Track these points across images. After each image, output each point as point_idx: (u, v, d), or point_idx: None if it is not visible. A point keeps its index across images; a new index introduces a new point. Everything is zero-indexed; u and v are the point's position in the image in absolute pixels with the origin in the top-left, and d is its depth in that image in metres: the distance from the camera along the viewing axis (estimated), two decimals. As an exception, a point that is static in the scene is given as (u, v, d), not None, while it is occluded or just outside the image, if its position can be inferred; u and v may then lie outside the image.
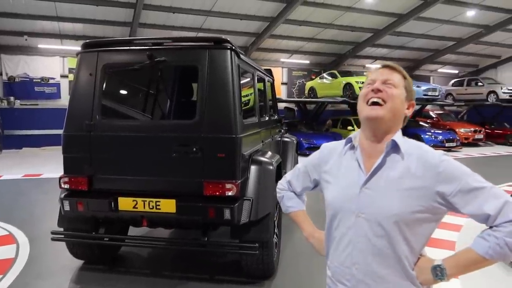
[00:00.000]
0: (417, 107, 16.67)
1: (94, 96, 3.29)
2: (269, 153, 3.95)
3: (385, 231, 1.22)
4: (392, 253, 1.23)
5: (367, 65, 20.75)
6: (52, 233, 3.49)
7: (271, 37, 16.08)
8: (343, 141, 1.43)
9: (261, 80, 4.69)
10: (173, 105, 3.78)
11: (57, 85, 15.17)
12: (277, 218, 3.84)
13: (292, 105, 15.86)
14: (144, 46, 3.31)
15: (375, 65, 20.68)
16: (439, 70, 22.68)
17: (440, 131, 15.37)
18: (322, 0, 13.51)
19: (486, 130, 17.42)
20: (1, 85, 14.50)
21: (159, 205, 3.15)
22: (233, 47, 3.21)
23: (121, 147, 3.28)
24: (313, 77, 18.74)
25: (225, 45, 3.18)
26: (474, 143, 16.45)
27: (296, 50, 18.23)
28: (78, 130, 3.29)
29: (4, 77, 14.42)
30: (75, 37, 14.28)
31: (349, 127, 14.44)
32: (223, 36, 3.28)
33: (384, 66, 1.34)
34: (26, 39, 13.78)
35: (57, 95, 15.16)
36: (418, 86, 15.42)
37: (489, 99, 17.44)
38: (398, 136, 1.28)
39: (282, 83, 19.05)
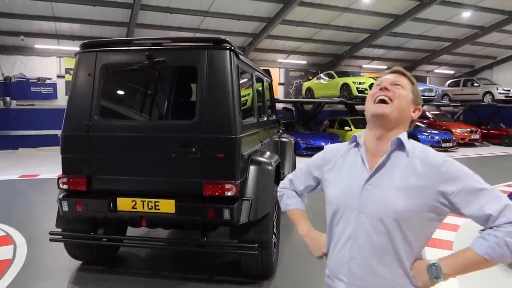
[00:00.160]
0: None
1: (93, 97, 3.28)
2: (268, 153, 3.96)
3: (386, 228, 1.23)
4: (391, 251, 1.24)
5: (364, 66, 20.81)
6: (51, 233, 3.48)
7: (268, 38, 16.09)
8: (346, 143, 1.45)
9: (259, 80, 4.69)
10: (172, 105, 3.78)
11: (54, 86, 15.08)
12: (276, 218, 3.85)
13: (289, 106, 15.87)
14: (143, 46, 3.31)
15: (372, 66, 20.77)
16: (436, 71, 22.79)
17: (437, 132, 15.43)
18: (319, 0, 13.54)
19: (482, 131, 17.49)
20: (-3, 85, 14.44)
21: (158, 205, 3.15)
22: (232, 47, 3.21)
23: (120, 148, 3.27)
24: (310, 77, 18.77)
25: (224, 45, 3.18)
26: (470, 144, 16.51)
27: (293, 51, 18.26)
28: (76, 130, 3.28)
29: (0, 78, 14.32)
30: (72, 37, 14.23)
31: (346, 127, 14.47)
32: (222, 37, 3.28)
33: (393, 71, 1.37)
34: (22, 39, 13.70)
35: (53, 96, 15.08)
36: (414, 87, 15.45)
37: (485, 100, 17.52)
38: (404, 136, 1.30)
39: (279, 84, 19.06)
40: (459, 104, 19.04)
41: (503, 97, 17.09)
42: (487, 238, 1.14)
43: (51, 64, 15.03)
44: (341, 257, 1.33)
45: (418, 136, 14.20)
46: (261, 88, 4.86)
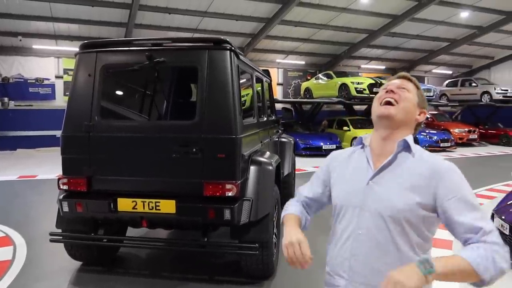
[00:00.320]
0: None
1: (93, 97, 3.28)
2: (268, 153, 3.96)
3: (387, 226, 1.25)
4: (392, 248, 1.25)
5: (362, 66, 20.84)
6: (51, 234, 3.47)
7: (267, 38, 16.10)
8: (351, 148, 1.48)
9: (259, 80, 4.70)
10: (173, 105, 3.78)
11: (52, 86, 15.03)
12: (276, 218, 3.85)
13: (288, 106, 15.87)
14: (143, 46, 3.30)
15: (370, 66, 20.81)
16: (434, 71, 22.84)
17: (435, 131, 15.45)
18: (318, 1, 13.55)
19: (480, 130, 17.55)
20: (-5, 86, 14.39)
21: (158, 205, 3.15)
22: (233, 48, 3.22)
23: (120, 148, 3.26)
24: (309, 77, 18.77)
25: (224, 45, 3.18)
26: (468, 143, 16.55)
27: (292, 51, 18.27)
28: (77, 131, 3.27)
29: (-2, 78, 14.32)
30: (70, 38, 14.19)
31: (345, 127, 14.48)
32: (222, 37, 3.28)
33: (400, 76, 1.41)
34: (20, 40, 13.66)
35: (51, 96, 15.03)
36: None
37: (483, 100, 17.57)
38: (410, 138, 1.32)
39: (278, 84, 19.06)
40: (457, 104, 19.07)
41: (501, 97, 17.14)
42: (477, 249, 1.14)
43: (49, 65, 14.98)
44: (342, 253, 1.34)
45: (417, 136, 14.17)
46: (260, 88, 4.86)
